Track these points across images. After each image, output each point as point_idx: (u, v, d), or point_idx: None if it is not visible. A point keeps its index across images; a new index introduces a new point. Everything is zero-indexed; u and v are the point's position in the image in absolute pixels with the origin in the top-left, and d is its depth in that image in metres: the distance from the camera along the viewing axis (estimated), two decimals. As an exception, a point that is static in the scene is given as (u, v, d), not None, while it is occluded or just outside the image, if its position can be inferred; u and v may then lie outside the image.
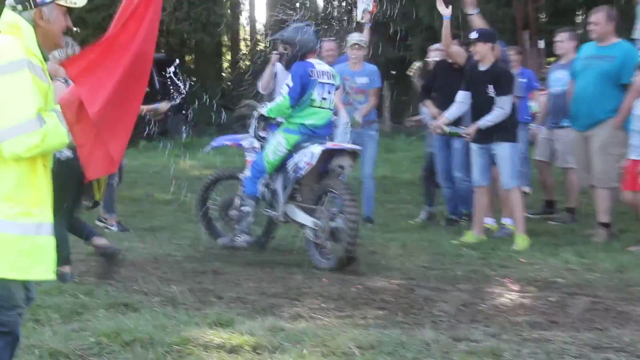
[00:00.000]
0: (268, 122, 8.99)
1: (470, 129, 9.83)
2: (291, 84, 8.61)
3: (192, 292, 7.61)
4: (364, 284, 7.99)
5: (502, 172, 9.78)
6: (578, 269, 8.54)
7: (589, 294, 7.61)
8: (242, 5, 33.41)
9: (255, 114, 9.05)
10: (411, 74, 11.40)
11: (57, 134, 4.20)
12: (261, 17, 34.09)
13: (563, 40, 10.82)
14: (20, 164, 4.14)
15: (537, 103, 11.89)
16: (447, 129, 10.18)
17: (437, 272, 8.53)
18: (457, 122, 10.32)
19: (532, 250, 9.33)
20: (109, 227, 10.78)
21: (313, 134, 8.81)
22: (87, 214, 8.83)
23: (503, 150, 9.70)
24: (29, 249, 4.18)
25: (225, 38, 32.96)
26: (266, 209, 9.03)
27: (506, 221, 10.35)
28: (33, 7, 4.26)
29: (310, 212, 8.81)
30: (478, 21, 10.27)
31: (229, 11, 30.62)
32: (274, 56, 10.84)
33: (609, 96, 9.70)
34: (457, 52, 10.46)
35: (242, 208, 9.00)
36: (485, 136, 9.71)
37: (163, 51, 27.70)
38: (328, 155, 8.77)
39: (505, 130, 9.71)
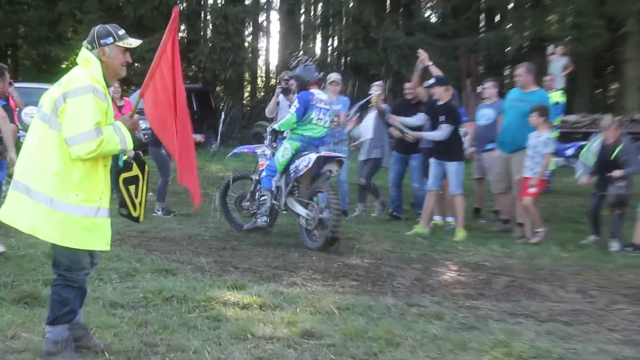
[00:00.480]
0: (277, 136, 9.23)
1: (415, 134, 10.09)
2: (297, 106, 8.82)
3: (215, 263, 7.63)
4: (344, 262, 8.00)
5: (451, 182, 9.80)
6: (500, 256, 8.56)
7: (507, 274, 7.63)
8: (259, 51, 33.38)
9: (269, 129, 9.39)
10: (372, 101, 11.38)
11: (111, 142, 4.34)
12: (274, 59, 33.97)
13: (488, 87, 10.87)
14: (85, 163, 4.27)
15: (467, 132, 11.88)
16: (400, 126, 10.33)
17: (397, 254, 8.54)
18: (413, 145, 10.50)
19: (467, 241, 9.33)
20: (155, 212, 10.71)
21: (310, 143, 8.97)
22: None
23: (452, 166, 9.72)
24: (90, 226, 4.31)
25: (246, 75, 32.89)
26: (273, 200, 9.08)
27: (450, 219, 10.34)
28: (98, 46, 4.44)
29: (304, 205, 8.89)
30: (434, 69, 10.26)
31: (250, 54, 30.51)
32: (278, 89, 10.93)
33: (528, 130, 9.75)
34: (421, 91, 10.50)
35: (262, 198, 9.09)
36: (442, 154, 9.76)
37: (201, 83, 27.66)
38: (321, 162, 8.86)
39: (456, 152, 9.78)
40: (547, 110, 9.61)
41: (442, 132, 9.69)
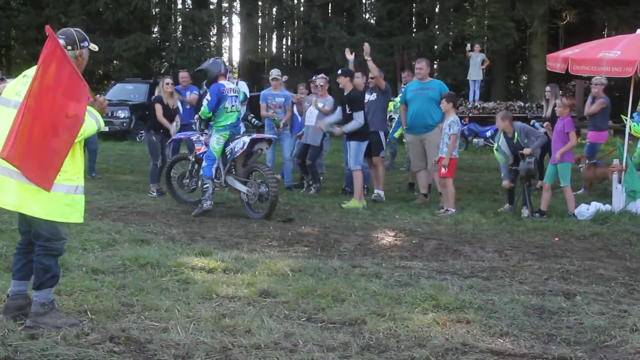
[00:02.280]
0: (206, 123, 9.04)
1: (338, 130, 9.92)
2: (209, 99, 8.69)
3: (185, 233, 7.54)
4: (296, 230, 7.97)
5: (350, 159, 9.87)
6: (430, 223, 8.59)
7: (436, 238, 7.67)
8: (223, 50, 33.08)
9: (197, 117, 9.21)
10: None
11: (90, 125, 4.30)
12: (236, 57, 33.60)
13: (423, 67, 10.54)
14: None
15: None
16: (325, 128, 10.21)
17: (343, 223, 8.51)
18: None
19: (402, 210, 9.36)
20: (150, 192, 10.45)
21: (233, 128, 8.94)
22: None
23: (352, 145, 9.79)
24: (70, 202, 4.27)
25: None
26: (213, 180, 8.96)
27: (379, 192, 10.24)
28: (78, 48, 4.42)
29: (243, 183, 8.86)
30: (371, 65, 10.15)
31: (215, 53, 30.18)
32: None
33: (434, 112, 9.82)
34: (358, 83, 10.43)
35: (204, 186, 8.86)
36: (348, 135, 9.85)
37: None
38: (253, 142, 8.85)
39: (356, 133, 9.74)
40: (453, 97, 9.66)
41: (356, 121, 9.65)
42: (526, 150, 8.92)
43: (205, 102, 8.72)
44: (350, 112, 9.68)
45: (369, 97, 10.27)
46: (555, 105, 11.11)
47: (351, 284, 5.49)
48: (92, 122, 4.31)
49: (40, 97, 3.96)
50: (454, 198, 9.37)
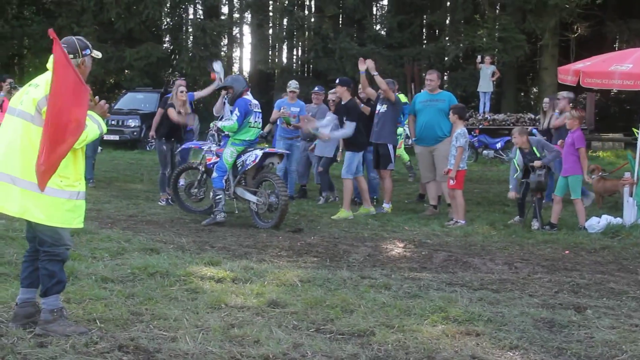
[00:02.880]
0: (222, 133, 9.15)
1: (325, 134, 9.89)
2: (238, 114, 8.77)
3: (194, 242, 7.55)
4: (305, 240, 7.97)
5: (343, 167, 9.91)
6: (440, 234, 8.57)
7: (446, 250, 7.66)
8: (234, 60, 33.15)
9: (213, 126, 9.34)
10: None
11: (93, 130, 4.32)
12: (247, 67, 33.67)
13: (433, 79, 10.49)
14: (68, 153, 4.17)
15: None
16: (313, 130, 10.17)
17: (352, 234, 8.51)
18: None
19: (412, 222, 9.34)
20: (159, 202, 10.47)
21: (250, 145, 8.97)
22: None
23: (347, 154, 9.89)
24: (72, 208, 4.32)
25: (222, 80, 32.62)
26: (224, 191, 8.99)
27: (385, 204, 10.25)
28: (80, 56, 4.44)
29: (253, 193, 8.88)
30: (379, 79, 10.02)
31: (225, 63, 30.31)
32: (224, 92, 10.42)
33: (444, 124, 9.82)
34: (371, 92, 10.44)
35: (217, 197, 8.86)
36: (345, 145, 9.96)
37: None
38: (265, 156, 8.95)
39: (353, 143, 9.84)
40: (461, 109, 9.62)
41: (346, 129, 9.67)
42: (536, 163, 8.88)
43: (234, 117, 8.78)
44: (346, 120, 9.73)
45: (379, 108, 10.28)
46: (551, 117, 11.15)
47: (360, 295, 5.47)
48: (94, 127, 4.34)
49: (52, 103, 4.01)
50: (464, 210, 9.35)
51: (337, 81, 10.04)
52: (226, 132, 9.02)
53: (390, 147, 10.22)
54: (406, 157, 14.29)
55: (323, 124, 10.04)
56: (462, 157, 9.25)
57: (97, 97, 4.54)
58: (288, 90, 11.78)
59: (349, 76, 10.70)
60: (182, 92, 10.75)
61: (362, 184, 10.05)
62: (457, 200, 9.29)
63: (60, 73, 4.02)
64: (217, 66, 10.74)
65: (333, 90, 11.54)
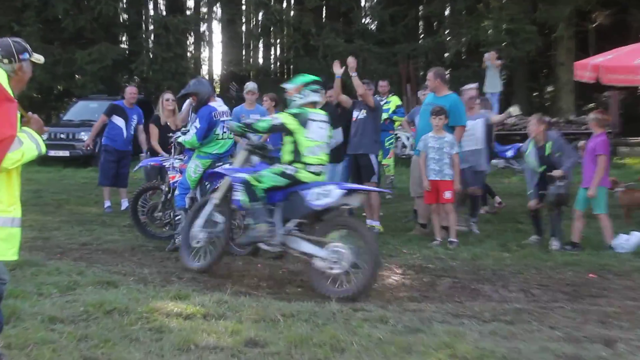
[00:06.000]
0: (184, 148, 8.97)
1: None
2: (198, 126, 8.47)
3: (159, 273, 7.52)
4: (288, 268, 7.95)
5: None
6: (444, 258, 8.55)
7: (451, 276, 7.65)
8: (202, 61, 33.17)
9: (174, 140, 9.19)
10: None
11: (30, 149, 4.24)
12: (217, 69, 33.77)
13: (430, 78, 10.55)
14: (1, 174, 4.12)
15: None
16: None
17: (342, 259, 8.48)
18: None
19: (411, 244, 9.33)
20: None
21: (218, 159, 8.69)
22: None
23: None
24: (6, 237, 4.25)
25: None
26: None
27: (372, 223, 10.19)
28: (17, 61, 4.37)
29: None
30: (356, 81, 9.97)
31: (192, 65, 30.35)
32: (188, 100, 10.51)
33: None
34: (344, 100, 10.42)
35: (177, 218, 8.77)
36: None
37: (143, 94, 27.39)
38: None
39: (332, 154, 9.69)
40: (447, 113, 9.57)
41: (333, 139, 9.64)
42: (556, 172, 8.90)
43: (193, 130, 8.48)
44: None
45: (357, 114, 10.24)
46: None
47: (352, 330, 5.44)
48: (31, 146, 4.25)
49: None
50: (455, 226, 9.41)
51: None
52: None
53: (373, 157, 10.16)
54: (392, 170, 14.22)
55: None
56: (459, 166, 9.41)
57: (30, 112, 4.46)
58: (245, 92, 11.64)
59: (334, 78, 10.62)
60: (167, 99, 10.73)
61: None
62: (451, 216, 9.35)
63: None
64: None
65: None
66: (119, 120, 12.43)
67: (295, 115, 7.26)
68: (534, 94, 31.25)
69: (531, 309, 6.28)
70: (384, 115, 12.63)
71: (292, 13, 28.91)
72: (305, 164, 7.23)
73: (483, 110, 10.79)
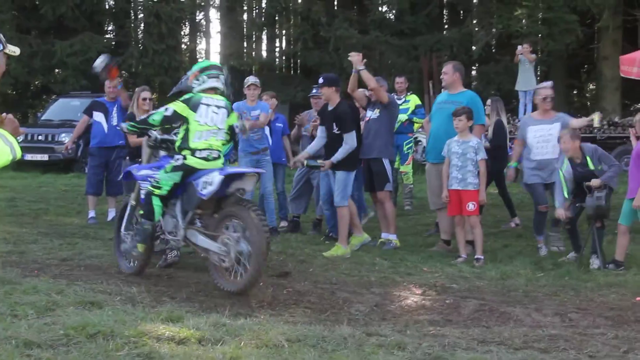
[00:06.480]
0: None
1: (327, 163, 9.88)
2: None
3: (148, 293, 7.52)
4: (294, 287, 7.96)
5: (335, 193, 9.93)
6: (469, 277, 8.59)
7: (477, 297, 7.66)
8: (198, 54, 33.28)
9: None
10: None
11: (4, 153, 4.28)
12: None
13: (447, 72, 10.57)
14: None
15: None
16: (306, 162, 10.17)
17: (355, 278, 8.51)
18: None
19: (432, 261, 9.36)
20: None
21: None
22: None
23: (339, 175, 9.88)
24: None
25: (183, 80, 32.76)
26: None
27: (388, 236, 10.31)
28: None
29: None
30: (366, 75, 10.01)
31: (187, 58, 30.47)
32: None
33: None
34: (360, 96, 10.48)
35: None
36: (336, 165, 9.90)
37: (131, 90, 27.48)
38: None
39: (343, 160, 9.84)
40: (473, 113, 9.65)
41: (347, 145, 9.73)
42: (595, 182, 8.91)
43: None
44: (338, 132, 9.74)
45: (369, 114, 10.28)
46: (496, 125, 11.30)
47: (366, 357, 5.46)
48: (5, 150, 4.29)
49: None
50: (481, 241, 9.47)
51: (321, 80, 10.04)
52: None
53: (386, 162, 10.20)
54: (410, 178, 14.20)
55: (315, 148, 10.07)
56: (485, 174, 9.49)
57: (4, 113, 4.51)
58: (246, 86, 11.71)
59: (347, 73, 10.61)
60: (144, 99, 10.83)
61: (351, 206, 10.08)
62: (476, 230, 9.39)
63: None
64: (99, 60, 10.63)
65: (315, 92, 11.60)
66: (98, 116, 12.54)
67: (186, 101, 7.79)
68: (573, 92, 31.17)
69: (568, 335, 6.27)
70: (402, 117, 12.64)
71: (299, 1, 28.94)
72: (193, 149, 7.80)
73: (561, 113, 10.65)
